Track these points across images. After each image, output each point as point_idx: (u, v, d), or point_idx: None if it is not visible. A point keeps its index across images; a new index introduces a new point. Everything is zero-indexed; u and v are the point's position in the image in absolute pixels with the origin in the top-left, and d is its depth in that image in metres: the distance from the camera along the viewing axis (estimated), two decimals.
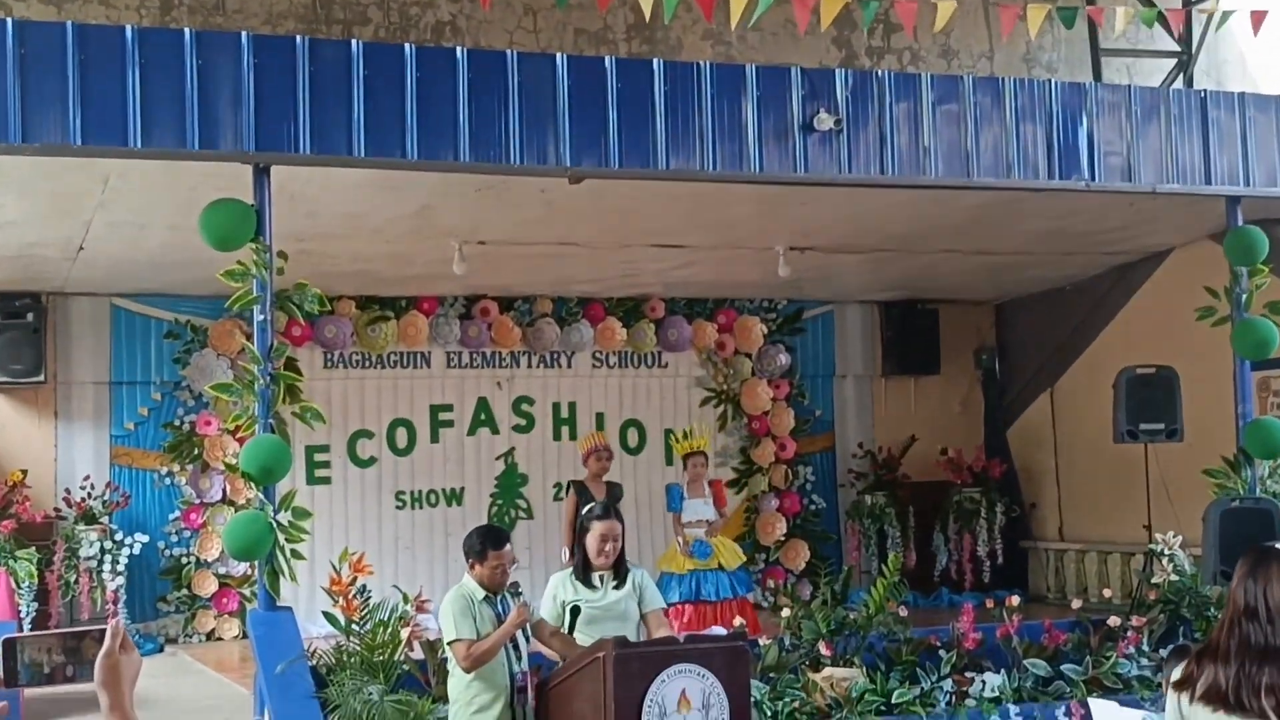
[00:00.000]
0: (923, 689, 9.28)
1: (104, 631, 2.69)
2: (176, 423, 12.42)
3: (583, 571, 7.16)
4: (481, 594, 6.85)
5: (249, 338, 8.55)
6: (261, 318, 8.04)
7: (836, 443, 14.44)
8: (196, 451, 12.37)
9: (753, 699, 8.40)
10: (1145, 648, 9.79)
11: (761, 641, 9.54)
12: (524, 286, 12.90)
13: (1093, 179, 9.48)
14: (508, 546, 6.95)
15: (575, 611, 7.10)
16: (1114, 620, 10.05)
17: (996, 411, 14.79)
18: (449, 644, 6.81)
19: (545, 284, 12.83)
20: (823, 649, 9.43)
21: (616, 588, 7.15)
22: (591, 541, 7.10)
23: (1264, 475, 10.00)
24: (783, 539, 13.89)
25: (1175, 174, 9.70)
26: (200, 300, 12.20)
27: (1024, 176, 9.38)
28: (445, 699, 7.24)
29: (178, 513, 12.36)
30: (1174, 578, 10.29)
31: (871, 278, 13.28)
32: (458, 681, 6.86)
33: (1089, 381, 12.90)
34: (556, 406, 13.46)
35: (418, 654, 8.61)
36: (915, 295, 14.27)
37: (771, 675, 9.28)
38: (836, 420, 14.47)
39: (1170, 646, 7.17)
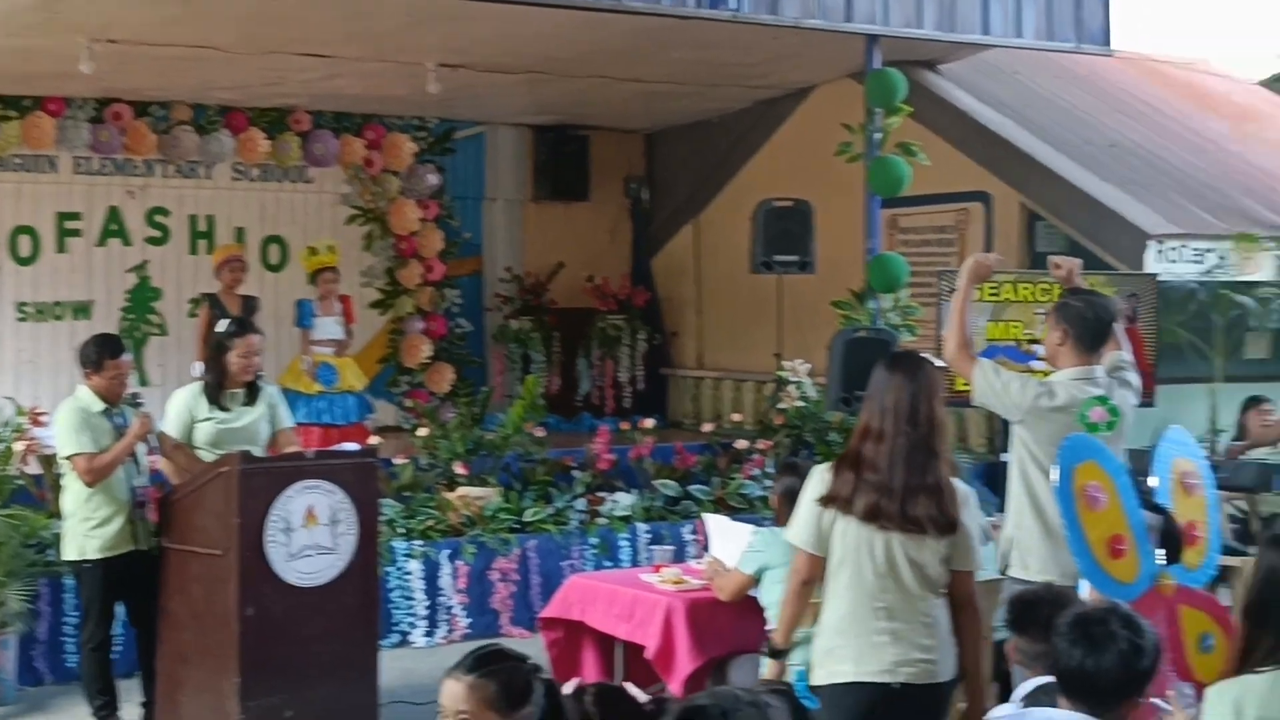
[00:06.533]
0: (556, 508, 9.48)
1: None
2: None
3: (216, 390, 6.92)
4: (99, 405, 6.59)
5: None
6: None
7: (484, 266, 14.37)
8: None
9: (386, 516, 8.42)
10: (770, 469, 10.21)
11: (397, 461, 9.55)
12: (160, 91, 12.27)
13: (739, 9, 9.55)
14: (125, 355, 6.69)
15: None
16: (742, 444, 10.45)
17: (643, 241, 14.99)
18: (67, 458, 6.55)
19: (183, 89, 12.23)
20: (459, 469, 9.50)
21: (248, 405, 6.95)
22: (235, 360, 6.84)
23: (886, 308, 10.43)
24: (427, 361, 13.81)
25: (818, 9, 9.86)
26: None
27: (672, 3, 9.39)
28: (61, 514, 6.99)
29: None
30: (800, 404, 10.71)
31: (524, 100, 13.16)
32: (75, 496, 6.62)
33: (731, 214, 13.16)
34: (194, 219, 12.95)
35: (35, 469, 8.28)
36: (568, 121, 14.22)
37: (406, 494, 9.32)
38: (485, 244, 14.40)
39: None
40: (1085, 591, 4.65)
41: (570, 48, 11.00)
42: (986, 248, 11.46)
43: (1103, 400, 4.96)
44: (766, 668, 4.84)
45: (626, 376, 14.20)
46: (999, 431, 10.31)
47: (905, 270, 10.18)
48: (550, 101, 13.21)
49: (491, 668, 3.18)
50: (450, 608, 8.94)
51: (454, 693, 3.16)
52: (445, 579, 8.92)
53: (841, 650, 4.63)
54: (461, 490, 9.34)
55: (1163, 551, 4.51)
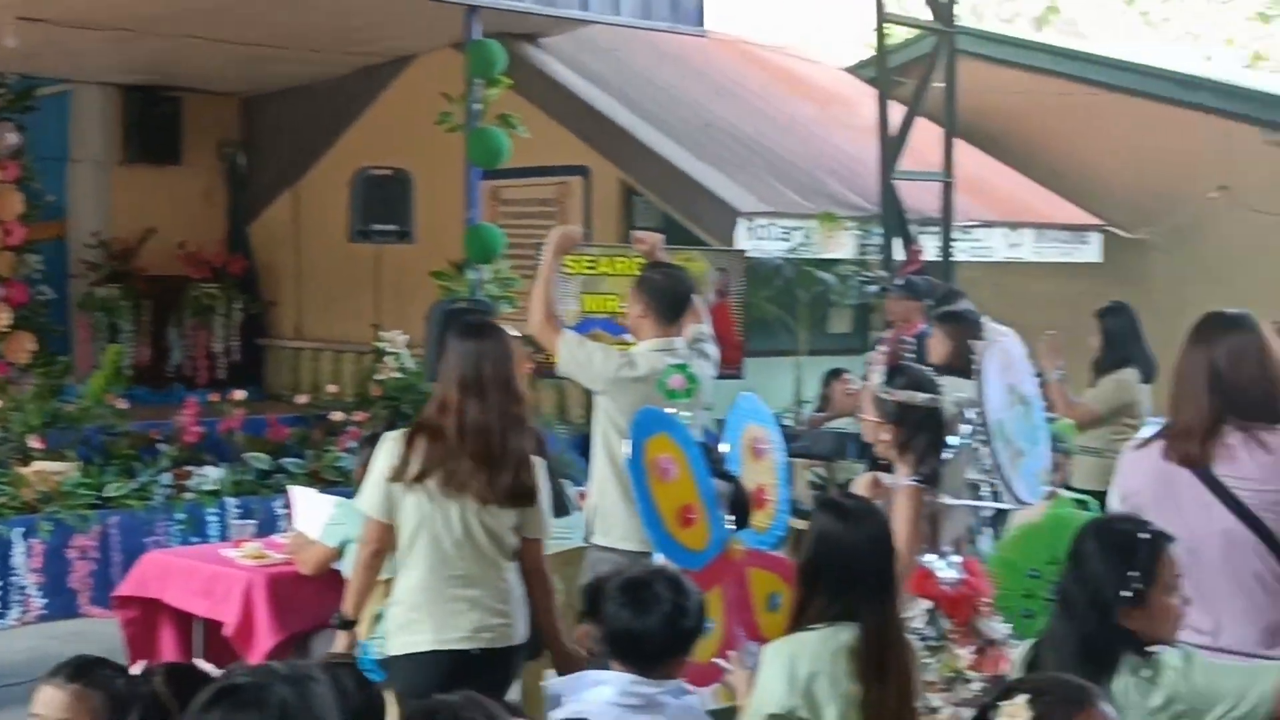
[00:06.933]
0: (140, 482, 9.13)
1: None
2: None
3: None
4: None
5: None
6: None
7: (69, 231, 13.68)
8: None
9: None
10: None
11: None
12: None
13: None
14: None
15: None
16: (337, 415, 10.30)
17: (240, 207, 14.59)
18: None
19: None
20: (34, 442, 9.05)
21: None
22: None
23: (486, 279, 10.44)
24: (6, 330, 13.02)
25: None
26: None
27: None
28: None
29: None
30: (397, 375, 10.63)
31: (112, 58, 12.58)
32: None
33: (331, 181, 12.91)
34: None
35: None
36: (160, 81, 13.66)
37: None
38: (70, 207, 13.68)
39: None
40: (661, 561, 4.77)
41: (160, 5, 10.58)
42: (585, 221, 11.63)
43: (681, 368, 5.08)
44: (338, 640, 4.77)
45: (221, 347, 13.80)
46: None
47: (501, 241, 10.21)
48: (140, 61, 12.67)
49: (95, 677, 3.08)
50: (24, 588, 8.50)
51: (55, 700, 3.06)
52: (18, 558, 8.46)
53: (419, 620, 4.62)
54: (37, 465, 8.89)
55: (732, 517, 4.65)
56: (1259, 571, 3.88)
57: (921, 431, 4.69)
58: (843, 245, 11.60)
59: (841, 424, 9.87)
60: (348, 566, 5.77)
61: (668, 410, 4.73)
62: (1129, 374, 8.01)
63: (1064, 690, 2.66)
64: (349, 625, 4.79)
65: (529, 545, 4.77)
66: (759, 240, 10.98)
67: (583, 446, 10.33)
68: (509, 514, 4.68)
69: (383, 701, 2.97)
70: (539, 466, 4.79)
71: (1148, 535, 3.36)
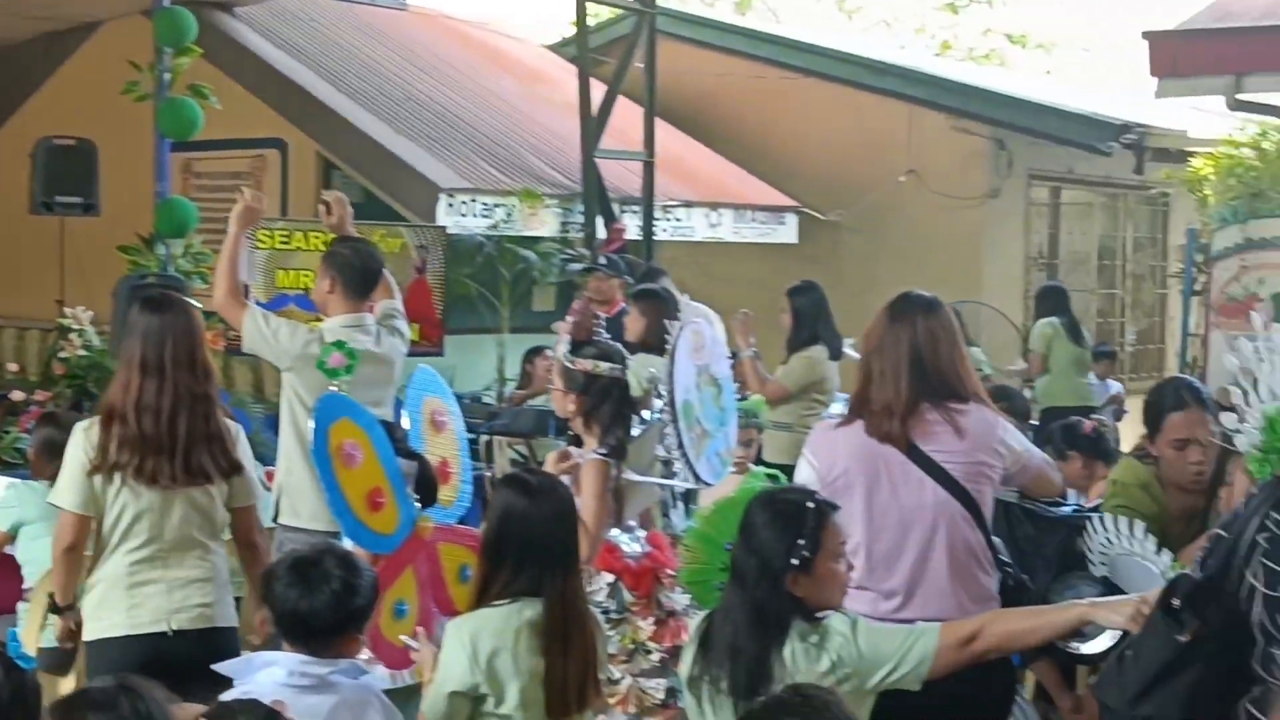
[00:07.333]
0: None
1: None
2: None
3: None
4: None
5: None
6: None
7: None
8: None
9: None
10: None
11: None
12: None
13: None
14: None
15: None
16: (18, 395, 9.86)
17: None
18: None
19: None
20: None
21: None
22: None
23: (178, 254, 10.11)
24: None
25: None
26: None
27: None
28: None
29: None
30: (83, 353, 10.22)
31: None
32: None
33: (11, 151, 12.29)
34: None
35: None
36: None
37: None
38: None
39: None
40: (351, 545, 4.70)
41: None
42: (282, 196, 11.40)
43: (340, 345, 4.99)
44: (54, 625, 4.59)
45: None
46: None
47: (194, 215, 9.89)
48: None
49: None
50: None
51: None
52: None
53: (114, 603, 4.49)
54: None
55: (418, 496, 4.61)
56: (969, 541, 4.05)
57: (606, 402, 4.73)
58: (545, 223, 11.63)
59: (542, 401, 9.90)
60: (21, 550, 5.55)
61: (332, 388, 4.64)
62: (818, 351, 8.23)
63: None
64: (65, 610, 4.59)
65: (239, 515, 4.68)
66: (460, 217, 10.92)
67: (277, 425, 10.13)
68: (216, 488, 4.57)
69: (36, 688, 2.84)
70: (239, 433, 4.69)
71: (813, 505, 3.45)
